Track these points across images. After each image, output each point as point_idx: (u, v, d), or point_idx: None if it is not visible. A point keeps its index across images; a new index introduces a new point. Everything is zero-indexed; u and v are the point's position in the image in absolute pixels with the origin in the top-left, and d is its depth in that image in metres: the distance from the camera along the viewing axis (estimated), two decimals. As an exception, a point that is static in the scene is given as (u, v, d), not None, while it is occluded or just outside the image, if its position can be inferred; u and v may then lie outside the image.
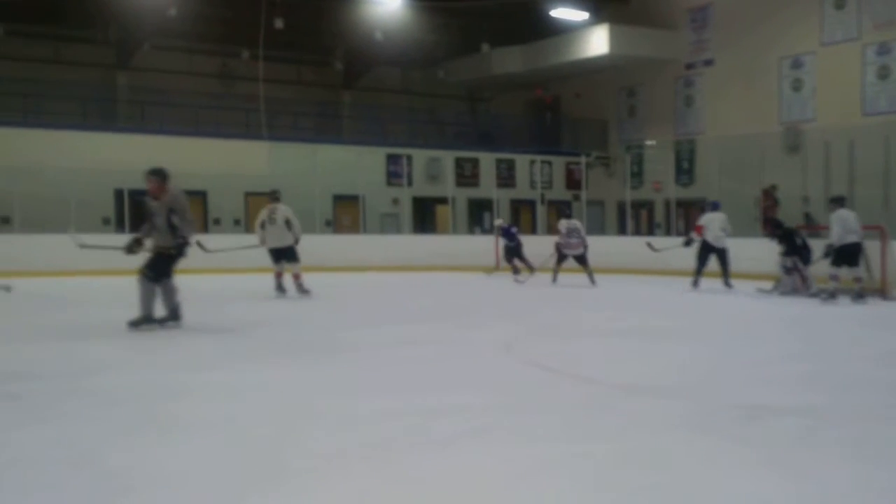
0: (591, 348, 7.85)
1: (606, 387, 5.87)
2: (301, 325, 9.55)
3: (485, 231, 23.88)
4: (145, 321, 8.39)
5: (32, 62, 22.35)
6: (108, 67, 24.28)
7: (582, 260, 15.30)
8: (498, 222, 19.00)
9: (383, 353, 7.32)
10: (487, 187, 24.69)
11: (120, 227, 19.32)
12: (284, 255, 12.66)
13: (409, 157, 24.46)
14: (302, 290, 12.65)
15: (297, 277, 12.73)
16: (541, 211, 24.72)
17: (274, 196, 13.02)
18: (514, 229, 18.32)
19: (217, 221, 21.41)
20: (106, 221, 19.86)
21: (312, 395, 5.46)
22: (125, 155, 19.87)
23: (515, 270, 17.23)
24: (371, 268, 19.12)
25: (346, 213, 22.95)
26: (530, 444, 4.13)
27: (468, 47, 27.58)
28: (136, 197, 19.65)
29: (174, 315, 8.63)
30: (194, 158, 20.59)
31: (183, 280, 8.89)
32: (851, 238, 11.65)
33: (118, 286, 11.04)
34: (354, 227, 22.45)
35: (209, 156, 20.93)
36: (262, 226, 12.77)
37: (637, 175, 25.77)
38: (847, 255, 11.69)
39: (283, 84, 25.27)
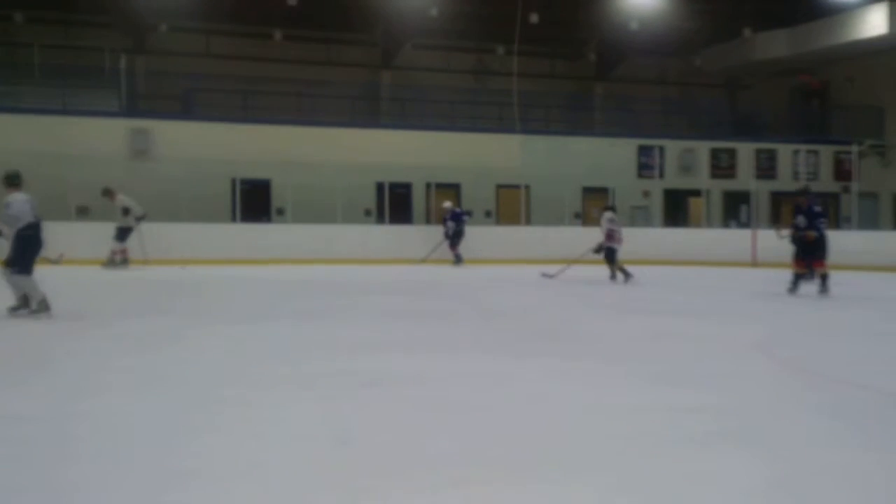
0: (857, 351, 7.31)
1: (876, 394, 5.44)
2: (539, 316, 9.68)
3: (741, 225, 22.89)
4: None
5: (307, 64, 24.27)
6: (374, 68, 25.85)
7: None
8: (447, 205, 19.33)
9: (632, 346, 7.29)
10: (745, 179, 23.66)
11: (381, 218, 20.60)
12: None
13: (662, 149, 23.97)
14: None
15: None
16: (804, 204, 23.24)
17: None
18: (465, 217, 19.15)
19: (469, 213, 22.18)
20: (367, 213, 21.23)
21: (560, 385, 5.51)
22: (387, 150, 21.21)
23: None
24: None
25: (595, 206, 22.89)
26: (788, 450, 3.97)
27: (728, 33, 26.44)
28: (396, 190, 20.95)
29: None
30: (449, 152, 21.54)
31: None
32: None
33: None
34: (603, 219, 22.35)
35: (464, 150, 21.76)
36: None
37: (919, 165, 23.57)
38: None
39: (536, 78, 25.60)
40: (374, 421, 4.41)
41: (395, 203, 20.54)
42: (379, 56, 25.92)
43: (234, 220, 19.73)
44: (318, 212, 19.35)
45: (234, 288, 12.85)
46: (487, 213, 22.21)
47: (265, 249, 18.27)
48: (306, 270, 16.32)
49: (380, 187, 20.82)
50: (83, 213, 18.54)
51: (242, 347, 6.93)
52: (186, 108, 22.27)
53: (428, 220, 21.19)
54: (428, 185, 21.44)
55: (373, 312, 9.65)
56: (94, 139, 19.49)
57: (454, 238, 18.70)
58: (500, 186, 22.10)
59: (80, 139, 19.24)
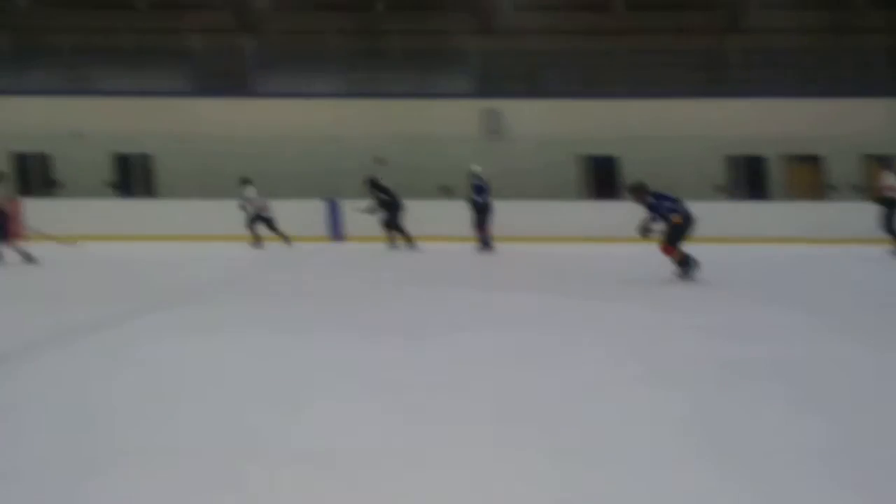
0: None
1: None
2: None
3: None
4: None
5: (648, 34, 23.53)
6: (718, 32, 24.55)
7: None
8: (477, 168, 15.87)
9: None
10: None
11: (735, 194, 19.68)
12: None
13: None
14: None
15: None
16: None
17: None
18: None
19: (833, 187, 20.56)
20: (717, 188, 20.35)
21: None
22: (735, 121, 20.20)
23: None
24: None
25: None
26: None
27: None
28: (753, 166, 19.89)
29: None
30: (806, 121, 20.10)
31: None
32: None
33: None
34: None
35: (822, 117, 20.18)
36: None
37: None
38: None
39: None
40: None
41: (747, 177, 19.53)
42: (724, 19, 24.60)
43: (583, 197, 19.86)
44: (666, 187, 18.83)
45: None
46: (854, 187, 20.41)
47: (611, 228, 18.05)
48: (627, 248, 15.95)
49: (730, 161, 19.90)
50: (446, 192, 19.52)
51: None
52: (533, 87, 22.65)
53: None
54: (784, 158, 20.07)
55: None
56: (449, 121, 20.48)
57: (484, 215, 15.59)
58: (868, 156, 20.20)
59: (436, 121, 20.31)
